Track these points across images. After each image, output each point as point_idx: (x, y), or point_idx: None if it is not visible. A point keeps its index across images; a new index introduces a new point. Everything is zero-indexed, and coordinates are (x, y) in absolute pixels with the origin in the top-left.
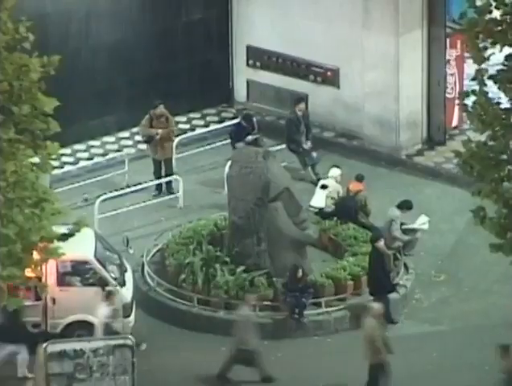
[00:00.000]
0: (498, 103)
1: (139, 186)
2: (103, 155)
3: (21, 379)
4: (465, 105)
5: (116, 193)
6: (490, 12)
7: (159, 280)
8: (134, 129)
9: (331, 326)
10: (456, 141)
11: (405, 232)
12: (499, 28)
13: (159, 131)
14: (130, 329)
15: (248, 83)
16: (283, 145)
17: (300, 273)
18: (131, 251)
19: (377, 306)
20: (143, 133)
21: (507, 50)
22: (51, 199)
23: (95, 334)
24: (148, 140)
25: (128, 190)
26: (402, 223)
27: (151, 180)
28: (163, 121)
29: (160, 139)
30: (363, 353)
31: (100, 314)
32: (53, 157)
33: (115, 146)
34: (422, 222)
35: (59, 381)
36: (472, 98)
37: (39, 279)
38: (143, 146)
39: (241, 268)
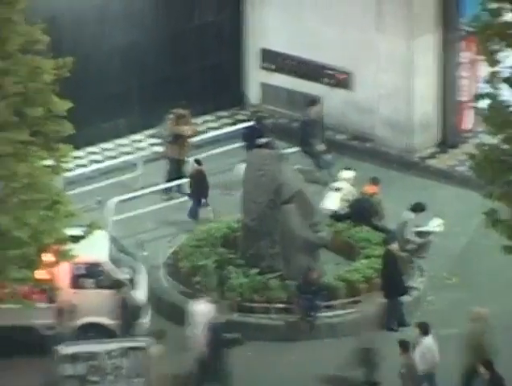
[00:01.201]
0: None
1: (153, 188)
2: (116, 157)
3: None
4: (478, 108)
5: (129, 195)
6: (503, 15)
7: (173, 282)
8: (147, 132)
9: (344, 328)
10: (469, 144)
11: (419, 234)
12: None
13: (189, 130)
14: (145, 331)
15: (261, 85)
16: (297, 148)
17: (314, 276)
18: (145, 253)
19: (481, 311)
20: (171, 132)
21: None
22: (64, 201)
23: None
24: (173, 139)
25: (141, 192)
26: (415, 226)
27: (165, 182)
28: (185, 121)
29: (184, 138)
30: (465, 356)
31: (200, 311)
32: (66, 159)
33: (128, 149)
34: (435, 224)
35: (72, 383)
36: (486, 101)
37: (53, 281)
38: (158, 148)
39: (255, 270)
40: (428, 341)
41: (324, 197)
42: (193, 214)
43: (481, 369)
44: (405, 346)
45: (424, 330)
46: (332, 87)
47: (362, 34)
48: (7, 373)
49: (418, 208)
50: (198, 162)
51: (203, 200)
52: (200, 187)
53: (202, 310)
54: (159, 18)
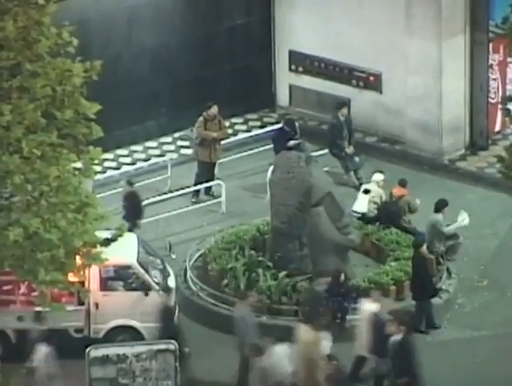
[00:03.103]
0: None
1: (182, 191)
2: (145, 160)
3: None
4: (508, 110)
5: (158, 198)
6: None
7: (202, 285)
8: (176, 134)
9: None
10: (499, 146)
11: (448, 237)
12: None
13: (215, 134)
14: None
15: (290, 88)
16: (326, 150)
17: (343, 278)
18: (174, 256)
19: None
20: (200, 136)
21: None
22: (93, 203)
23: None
24: (201, 142)
25: (170, 195)
26: (446, 225)
27: (194, 185)
28: (216, 123)
29: (214, 141)
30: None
31: (366, 308)
32: (96, 162)
33: (157, 151)
34: (462, 219)
35: None
36: None
37: (82, 284)
38: (187, 151)
39: (284, 273)
40: (280, 350)
41: (354, 199)
42: None
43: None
44: (256, 350)
45: (278, 338)
46: (361, 89)
47: (391, 36)
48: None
49: (441, 206)
50: (130, 183)
51: (137, 222)
52: (133, 209)
53: (368, 307)
54: (188, 20)
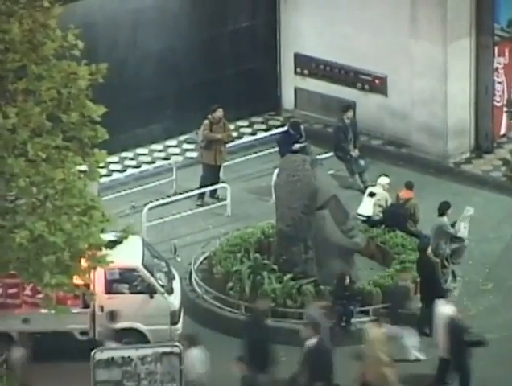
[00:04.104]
0: None
1: (187, 194)
2: (151, 163)
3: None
4: None
5: (163, 201)
6: None
7: (207, 287)
8: (182, 137)
9: None
10: (504, 149)
11: (452, 240)
12: None
13: (219, 136)
14: (178, 336)
15: (295, 90)
16: (331, 153)
17: (348, 281)
18: (179, 258)
19: None
20: (207, 138)
21: None
22: (98, 206)
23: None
24: (207, 145)
25: (176, 197)
26: (452, 225)
27: (199, 188)
28: (221, 126)
29: (219, 144)
30: None
31: (442, 312)
32: (101, 164)
33: (163, 154)
34: (466, 211)
35: None
36: None
37: (87, 287)
38: (193, 153)
39: (289, 276)
40: (195, 353)
41: (359, 202)
42: None
43: (235, 366)
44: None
45: (191, 341)
46: (367, 92)
47: (396, 39)
48: (44, 379)
49: (444, 208)
50: None
51: None
52: None
53: (444, 311)
54: (194, 23)
